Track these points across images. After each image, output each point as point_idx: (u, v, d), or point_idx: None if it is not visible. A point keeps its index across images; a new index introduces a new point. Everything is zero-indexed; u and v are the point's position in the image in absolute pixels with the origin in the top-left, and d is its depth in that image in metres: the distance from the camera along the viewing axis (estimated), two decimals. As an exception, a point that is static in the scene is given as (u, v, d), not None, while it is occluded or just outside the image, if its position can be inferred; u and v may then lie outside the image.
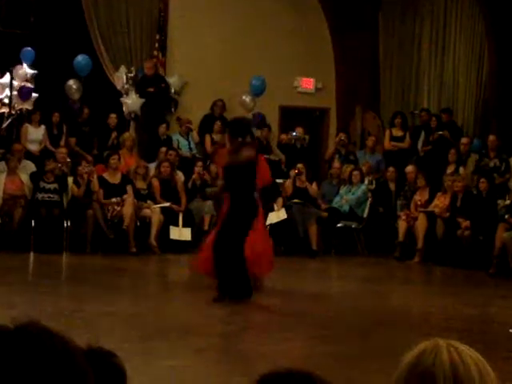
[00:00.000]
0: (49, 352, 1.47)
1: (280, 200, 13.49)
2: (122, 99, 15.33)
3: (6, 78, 14.87)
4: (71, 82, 14.94)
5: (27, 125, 14.24)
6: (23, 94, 14.67)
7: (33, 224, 12.50)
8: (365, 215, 13.97)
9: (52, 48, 15.18)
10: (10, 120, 14.51)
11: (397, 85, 16.63)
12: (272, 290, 10.56)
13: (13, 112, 14.59)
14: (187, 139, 15.16)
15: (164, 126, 14.97)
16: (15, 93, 14.62)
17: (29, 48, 15.00)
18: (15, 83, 14.64)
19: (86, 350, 1.96)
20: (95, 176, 13.13)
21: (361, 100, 16.18)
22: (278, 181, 14.08)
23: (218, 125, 15.16)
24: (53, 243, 12.34)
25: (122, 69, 15.33)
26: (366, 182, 14.34)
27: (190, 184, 13.82)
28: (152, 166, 13.95)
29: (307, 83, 16.48)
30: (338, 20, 16.17)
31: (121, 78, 15.31)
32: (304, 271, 12.52)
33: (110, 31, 15.51)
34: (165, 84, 15.34)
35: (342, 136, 15.27)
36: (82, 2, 15.32)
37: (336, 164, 14.62)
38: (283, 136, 15.68)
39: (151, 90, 15.09)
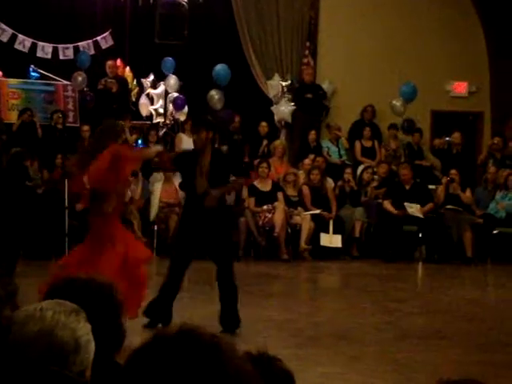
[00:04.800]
0: (213, 355, 1.46)
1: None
2: (272, 107, 15.46)
3: (160, 88, 15.31)
4: (213, 92, 15.18)
5: (181, 134, 14.57)
6: (178, 104, 15.04)
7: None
8: (523, 221, 13.48)
9: (198, 58, 15.52)
10: (164, 129, 14.92)
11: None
12: (427, 297, 10.36)
13: (167, 122, 15.00)
14: (337, 146, 15.12)
15: (314, 132, 14.98)
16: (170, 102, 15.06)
17: (169, 58, 15.35)
18: (166, 93, 15.07)
19: (255, 355, 1.97)
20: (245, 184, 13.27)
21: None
22: (430, 187, 13.82)
23: (367, 131, 15.05)
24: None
25: (276, 77, 15.46)
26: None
27: (337, 190, 13.77)
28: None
29: (460, 87, 16.10)
30: (492, 19, 15.69)
31: (275, 86, 15.44)
32: (459, 278, 12.21)
33: (262, 40, 15.68)
34: (322, 91, 15.39)
35: (495, 140, 14.82)
36: (234, 13, 15.56)
37: (491, 169, 14.19)
38: (436, 141, 15.37)
39: (309, 96, 15.18)
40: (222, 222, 8.04)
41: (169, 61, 15.35)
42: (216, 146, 14.66)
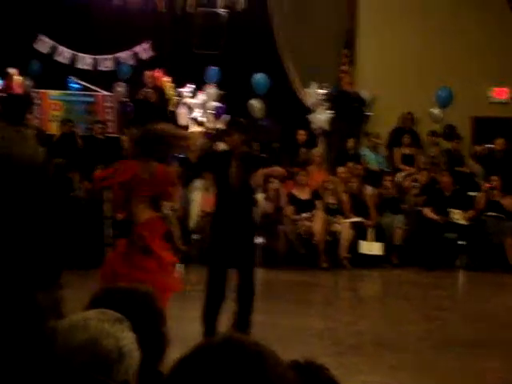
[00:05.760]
0: (257, 363, 1.47)
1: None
2: (309, 115, 15.47)
3: (198, 97, 15.41)
4: (254, 101, 15.22)
5: (220, 143, 14.62)
6: (219, 113, 15.12)
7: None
8: None
9: (237, 67, 15.61)
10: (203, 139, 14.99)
11: None
12: (468, 305, 10.28)
13: (206, 131, 15.08)
14: (375, 153, 15.07)
15: (352, 140, 14.96)
16: (210, 112, 15.15)
17: (213, 67, 15.47)
18: (206, 102, 15.16)
19: (302, 364, 1.98)
20: (284, 192, 13.28)
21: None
22: (471, 194, 13.72)
23: (407, 138, 14.99)
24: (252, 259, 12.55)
25: (313, 85, 15.48)
26: None
27: (376, 198, 13.72)
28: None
29: (500, 93, 15.96)
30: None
31: (312, 94, 15.45)
32: (501, 286, 12.06)
33: (299, 48, 15.70)
34: (361, 99, 15.37)
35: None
36: (271, 22, 15.61)
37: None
38: (477, 147, 15.25)
39: (348, 104, 15.17)
40: (253, 225, 8.06)
41: (212, 70, 15.45)
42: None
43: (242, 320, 7.74)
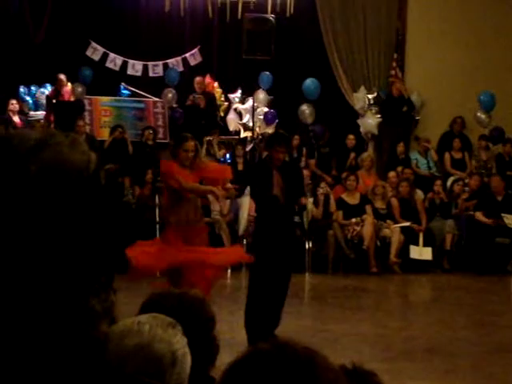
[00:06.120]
0: (308, 369, 1.47)
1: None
2: (358, 120, 15.43)
3: (249, 103, 15.47)
4: (304, 107, 15.23)
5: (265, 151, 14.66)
6: (269, 118, 15.16)
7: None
8: None
9: (286, 73, 15.63)
10: (252, 144, 15.04)
11: None
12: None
13: (255, 136, 15.12)
14: (426, 158, 14.97)
15: (402, 145, 14.87)
16: (259, 117, 15.20)
17: (267, 73, 15.53)
18: (256, 107, 15.21)
19: (350, 369, 1.98)
20: (332, 197, 13.25)
21: None
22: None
23: (457, 142, 14.86)
24: (296, 263, 12.55)
25: (362, 89, 15.43)
26: None
27: (426, 202, 13.63)
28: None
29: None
30: None
31: (361, 98, 15.41)
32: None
33: (348, 52, 15.67)
34: (411, 103, 15.28)
35: None
36: (320, 26, 15.60)
37: None
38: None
39: (405, 109, 15.11)
40: (295, 230, 8.27)
41: (265, 75, 15.51)
42: (303, 159, 14.81)
43: (274, 317, 7.81)
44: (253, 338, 7.55)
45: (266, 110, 15.49)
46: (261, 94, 15.53)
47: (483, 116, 15.10)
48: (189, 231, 7.83)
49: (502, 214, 12.97)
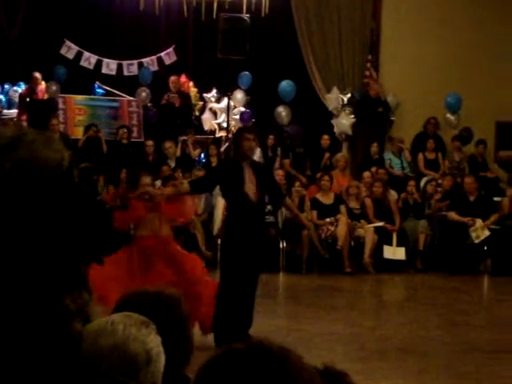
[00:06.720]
0: (282, 368, 1.48)
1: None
2: (332, 120, 15.47)
3: (224, 102, 15.46)
4: (280, 109, 15.24)
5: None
6: (245, 118, 15.15)
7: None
8: None
9: (262, 73, 15.63)
10: (227, 143, 15.03)
11: None
12: (493, 310, 10.22)
13: (230, 136, 15.11)
14: (399, 158, 15.04)
15: (376, 145, 14.93)
16: (235, 117, 15.19)
17: (246, 72, 15.53)
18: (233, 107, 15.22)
19: (322, 370, 1.97)
20: (307, 197, 13.27)
21: None
22: (495, 199, 13.63)
23: (431, 143, 14.94)
24: (270, 263, 12.56)
25: (335, 90, 15.46)
26: None
27: (400, 203, 13.69)
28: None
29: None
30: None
31: (333, 99, 15.44)
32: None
33: (323, 53, 15.70)
34: (386, 104, 15.35)
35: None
36: (295, 26, 15.63)
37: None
38: (502, 152, 15.17)
39: (380, 110, 15.17)
40: (267, 229, 8.20)
41: (245, 75, 15.50)
42: (278, 159, 14.84)
43: (246, 319, 7.79)
44: (220, 339, 7.50)
45: (242, 109, 15.49)
46: (239, 94, 15.53)
47: (452, 117, 15.21)
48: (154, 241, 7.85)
49: (470, 229, 12.89)
